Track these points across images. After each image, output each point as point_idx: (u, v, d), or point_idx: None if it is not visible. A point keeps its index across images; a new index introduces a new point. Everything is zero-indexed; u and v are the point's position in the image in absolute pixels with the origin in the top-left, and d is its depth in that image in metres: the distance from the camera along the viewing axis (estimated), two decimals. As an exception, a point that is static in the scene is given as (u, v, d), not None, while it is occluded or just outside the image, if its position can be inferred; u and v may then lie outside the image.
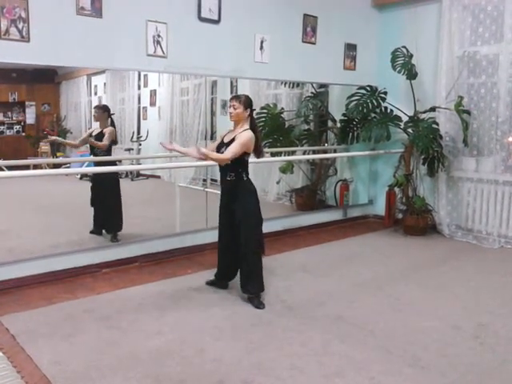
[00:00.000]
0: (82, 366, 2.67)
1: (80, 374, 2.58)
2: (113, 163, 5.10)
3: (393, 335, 3.09)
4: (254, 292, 3.59)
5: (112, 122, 5.06)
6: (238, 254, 3.64)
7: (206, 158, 3.43)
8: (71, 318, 3.29)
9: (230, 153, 3.40)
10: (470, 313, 3.48)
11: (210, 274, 4.02)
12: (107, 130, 4.92)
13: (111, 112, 5.11)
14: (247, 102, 3.55)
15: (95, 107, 5.23)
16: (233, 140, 3.49)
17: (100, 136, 4.93)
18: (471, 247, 5.29)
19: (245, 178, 3.58)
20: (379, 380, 2.56)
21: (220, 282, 3.90)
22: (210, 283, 3.93)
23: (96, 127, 5.11)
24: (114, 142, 5.02)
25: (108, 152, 4.98)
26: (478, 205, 5.52)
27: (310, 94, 6.57)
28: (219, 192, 5.07)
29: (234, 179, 3.56)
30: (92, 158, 5.21)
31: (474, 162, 5.54)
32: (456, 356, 2.83)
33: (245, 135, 3.48)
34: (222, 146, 3.58)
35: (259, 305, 3.52)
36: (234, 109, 3.52)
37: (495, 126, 5.28)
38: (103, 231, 5.07)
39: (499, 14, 5.18)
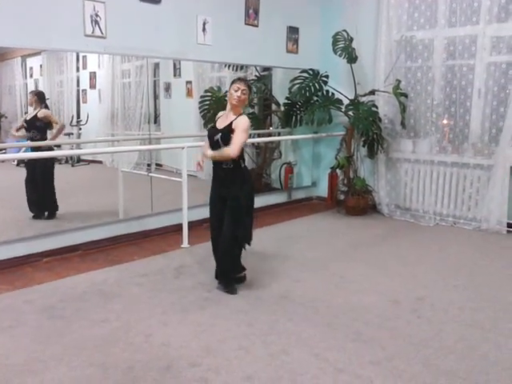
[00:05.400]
0: (23, 358, 2.59)
1: (21, 367, 2.50)
2: (50, 148, 5.05)
3: (337, 312, 3.20)
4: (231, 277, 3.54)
5: (46, 107, 5.06)
6: None
7: (215, 158, 3.32)
8: (11, 309, 3.18)
9: (237, 145, 3.20)
10: (409, 288, 3.65)
11: (158, 260, 3.98)
12: (42, 113, 4.89)
13: (46, 97, 5.10)
14: (251, 87, 3.40)
15: (30, 92, 5.20)
16: (229, 126, 3.28)
17: (34, 120, 4.88)
18: (409, 225, 5.52)
19: (242, 165, 3.39)
20: (324, 356, 2.64)
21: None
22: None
23: (30, 111, 5.05)
24: (50, 125, 4.95)
25: (43, 136, 4.94)
26: (415, 185, 5.77)
27: (253, 77, 6.57)
28: (164, 177, 5.02)
29: (232, 167, 3.33)
30: (29, 143, 5.03)
31: (411, 143, 5.77)
32: (395, 329, 2.97)
33: (244, 121, 3.28)
34: (216, 133, 3.32)
35: (232, 289, 3.48)
36: (243, 94, 3.27)
37: (431, 108, 5.51)
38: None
39: (433, 1, 5.36)
